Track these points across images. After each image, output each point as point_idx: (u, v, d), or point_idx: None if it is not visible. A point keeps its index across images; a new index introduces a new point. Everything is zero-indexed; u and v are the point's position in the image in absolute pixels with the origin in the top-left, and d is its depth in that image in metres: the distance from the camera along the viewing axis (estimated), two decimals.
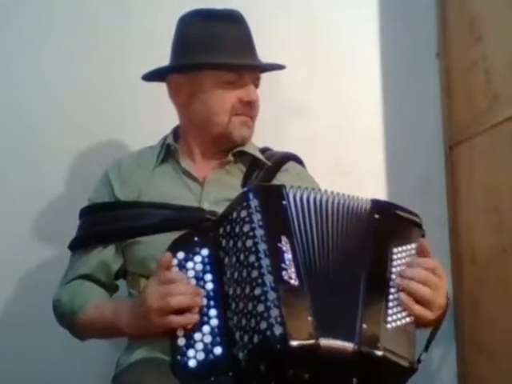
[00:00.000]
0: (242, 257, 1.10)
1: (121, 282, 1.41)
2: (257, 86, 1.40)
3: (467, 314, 1.75)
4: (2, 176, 1.76)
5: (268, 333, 1.01)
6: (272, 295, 1.03)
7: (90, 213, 1.40)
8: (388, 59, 1.87)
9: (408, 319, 1.10)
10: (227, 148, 1.39)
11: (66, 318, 1.33)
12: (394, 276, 1.12)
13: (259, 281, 1.06)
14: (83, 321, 1.30)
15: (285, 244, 1.09)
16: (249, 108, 1.37)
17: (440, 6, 1.87)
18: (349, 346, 1.04)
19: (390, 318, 1.08)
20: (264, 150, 1.47)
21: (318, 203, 1.17)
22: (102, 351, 1.65)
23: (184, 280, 1.15)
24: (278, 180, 1.38)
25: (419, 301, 1.11)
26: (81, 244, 1.38)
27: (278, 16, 1.83)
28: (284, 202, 1.15)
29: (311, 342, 1.01)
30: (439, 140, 1.86)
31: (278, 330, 1.00)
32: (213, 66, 1.34)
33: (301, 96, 1.81)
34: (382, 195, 1.80)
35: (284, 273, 1.06)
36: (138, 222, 1.33)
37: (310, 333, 1.02)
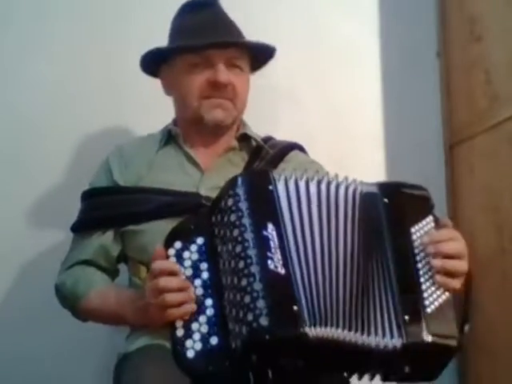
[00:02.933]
0: (230, 246, 1.09)
1: (121, 268, 1.42)
2: (233, 65, 1.35)
3: None
4: (2, 175, 1.75)
5: (254, 324, 1.00)
6: (258, 286, 1.02)
7: (89, 197, 1.41)
8: (388, 59, 1.87)
9: (444, 296, 1.08)
10: (210, 133, 1.38)
11: (69, 303, 1.34)
12: (419, 258, 1.10)
13: (245, 271, 1.05)
14: (87, 307, 1.31)
15: (271, 231, 1.07)
16: (218, 89, 1.33)
17: (440, 6, 1.87)
18: (372, 339, 1.04)
19: (427, 302, 1.06)
20: (267, 139, 1.45)
21: (311, 187, 1.13)
22: (101, 342, 1.65)
23: (175, 270, 1.13)
24: (280, 170, 1.35)
25: (452, 275, 1.09)
26: (81, 228, 1.39)
27: (277, 16, 1.83)
28: (270, 187, 1.11)
29: (298, 331, 1.00)
30: (439, 140, 1.86)
31: (264, 322, 1.00)
32: (175, 51, 1.37)
33: (300, 96, 1.81)
34: None
35: (269, 262, 1.04)
36: (135, 207, 1.33)
37: (296, 322, 1.00)
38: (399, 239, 1.11)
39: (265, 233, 1.07)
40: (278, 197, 1.11)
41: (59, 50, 1.78)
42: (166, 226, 1.20)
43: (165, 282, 1.12)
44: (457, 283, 1.10)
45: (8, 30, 1.78)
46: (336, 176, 1.16)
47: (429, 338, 1.03)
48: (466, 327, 1.13)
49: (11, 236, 1.73)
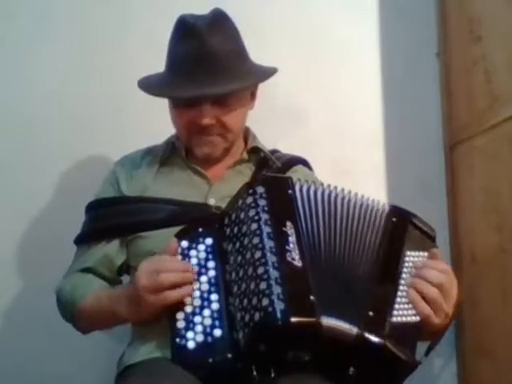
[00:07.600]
0: (246, 240, 1.11)
1: (125, 278, 1.41)
2: (223, 101, 1.31)
3: (467, 314, 1.74)
4: (2, 175, 1.76)
5: (270, 309, 1.01)
6: (275, 273, 1.04)
7: (96, 208, 1.40)
8: (388, 59, 1.87)
9: (414, 318, 1.09)
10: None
11: (68, 308, 1.33)
12: (405, 275, 1.13)
13: (262, 260, 1.06)
14: (83, 311, 1.30)
15: (289, 228, 1.10)
16: (203, 130, 1.32)
17: (440, 6, 1.87)
18: (351, 328, 1.04)
19: (396, 312, 1.08)
20: (273, 152, 1.47)
21: (326, 197, 1.19)
22: (102, 349, 1.65)
23: (174, 258, 1.16)
24: None
25: (428, 302, 1.10)
26: (86, 238, 1.39)
27: (277, 16, 1.83)
28: (290, 192, 1.17)
29: (313, 319, 1.01)
30: (439, 140, 1.86)
31: (279, 306, 1.00)
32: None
33: (300, 96, 1.81)
34: (382, 195, 1.80)
35: (288, 254, 1.07)
36: (144, 217, 1.33)
37: (312, 310, 1.02)
38: (393, 252, 1.15)
39: (283, 229, 1.10)
40: (296, 201, 1.16)
41: (61, 53, 1.78)
42: (172, 233, 1.22)
43: (160, 263, 1.15)
44: (428, 310, 1.10)
45: (10, 31, 1.78)
46: (342, 190, 1.21)
47: (381, 339, 1.04)
48: (423, 359, 1.12)
49: (15, 238, 1.74)
